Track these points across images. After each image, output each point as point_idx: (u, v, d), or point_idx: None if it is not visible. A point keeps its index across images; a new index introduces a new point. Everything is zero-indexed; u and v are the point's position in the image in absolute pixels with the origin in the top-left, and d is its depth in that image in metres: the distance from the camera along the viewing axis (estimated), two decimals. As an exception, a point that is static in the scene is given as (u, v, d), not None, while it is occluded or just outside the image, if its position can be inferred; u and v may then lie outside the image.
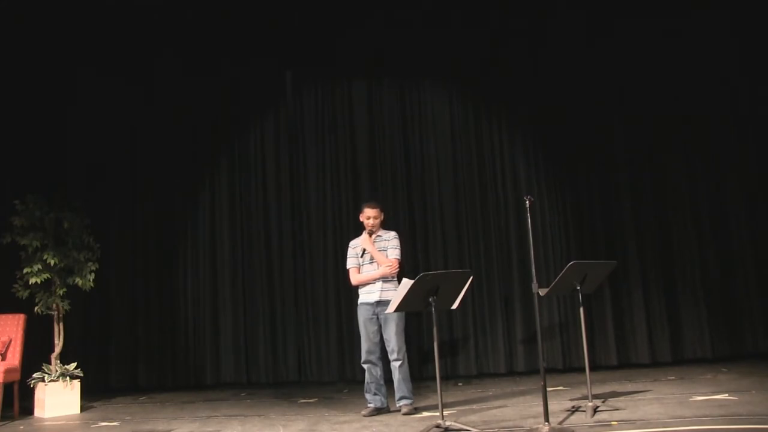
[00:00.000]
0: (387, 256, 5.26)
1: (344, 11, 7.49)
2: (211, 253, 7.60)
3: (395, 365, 5.10)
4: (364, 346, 5.22)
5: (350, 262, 5.40)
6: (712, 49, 7.36)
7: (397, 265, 5.28)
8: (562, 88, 7.40)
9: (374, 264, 5.25)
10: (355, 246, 5.40)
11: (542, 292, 4.47)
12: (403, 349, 5.14)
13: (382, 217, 5.42)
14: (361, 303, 5.31)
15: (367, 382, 5.22)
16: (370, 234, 5.32)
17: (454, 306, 4.70)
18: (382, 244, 5.32)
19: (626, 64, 7.41)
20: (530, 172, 7.40)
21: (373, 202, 5.59)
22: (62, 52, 7.48)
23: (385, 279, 5.22)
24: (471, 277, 4.65)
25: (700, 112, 7.36)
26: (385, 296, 5.14)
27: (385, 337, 5.18)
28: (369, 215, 5.33)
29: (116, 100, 7.69)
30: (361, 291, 5.34)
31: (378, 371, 5.21)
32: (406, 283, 4.42)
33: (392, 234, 5.40)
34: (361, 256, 5.32)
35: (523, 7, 7.45)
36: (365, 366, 5.22)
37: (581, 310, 4.90)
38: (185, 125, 7.72)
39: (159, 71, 7.73)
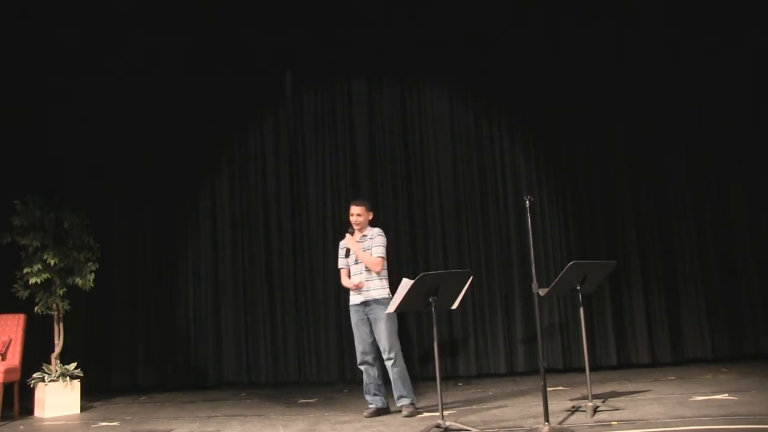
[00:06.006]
0: (371, 255, 5.21)
1: (344, 11, 7.49)
2: (211, 253, 7.61)
3: (388, 364, 5.08)
4: (359, 347, 5.21)
5: (340, 263, 5.39)
6: (713, 47, 7.36)
7: (381, 264, 5.17)
8: (562, 87, 7.39)
9: (360, 264, 5.23)
10: (343, 247, 5.35)
11: (542, 292, 4.47)
12: (396, 347, 5.07)
13: (370, 216, 5.37)
14: (351, 305, 5.29)
15: (366, 384, 5.21)
16: (352, 233, 5.28)
17: (454, 306, 4.70)
18: (367, 243, 5.25)
19: (626, 63, 7.40)
20: (530, 172, 7.39)
21: (359, 199, 5.54)
22: (62, 52, 7.48)
23: (369, 278, 5.18)
24: (471, 277, 4.65)
25: (701, 112, 7.35)
26: (370, 296, 5.13)
27: (376, 336, 5.14)
28: (353, 212, 5.30)
29: (116, 100, 7.69)
30: (350, 292, 5.33)
31: (375, 372, 5.19)
32: (406, 283, 4.42)
33: (376, 231, 5.31)
34: (346, 257, 5.30)
35: (523, 7, 7.45)
36: (362, 368, 5.21)
37: (581, 310, 4.90)
38: (185, 125, 7.72)
39: (159, 72, 7.73)
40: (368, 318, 5.17)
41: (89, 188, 7.47)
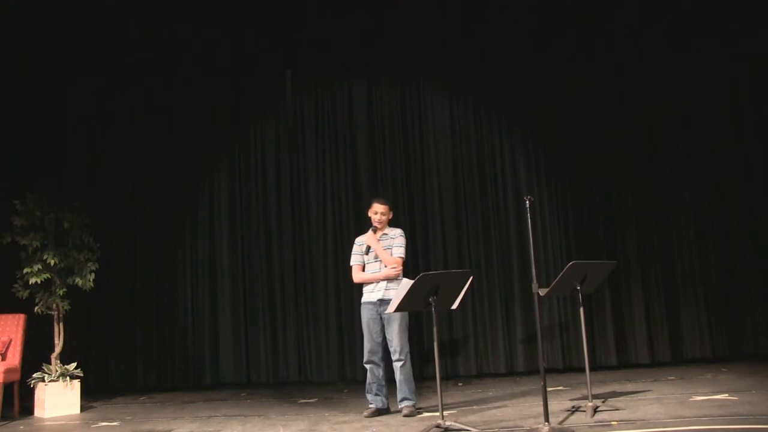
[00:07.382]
0: (392, 255, 5.22)
1: (344, 10, 7.49)
2: (211, 253, 7.61)
3: (397, 365, 5.06)
4: (367, 346, 5.18)
5: (354, 259, 5.37)
6: (713, 47, 7.36)
7: (401, 265, 5.23)
8: (563, 87, 7.39)
9: (378, 262, 5.22)
10: (361, 243, 5.35)
11: (542, 292, 4.46)
12: (406, 349, 5.08)
13: (390, 215, 5.39)
14: (364, 302, 5.27)
15: (369, 383, 5.18)
16: (375, 231, 5.30)
17: (454, 306, 4.69)
18: (388, 242, 5.26)
19: (626, 63, 7.40)
20: (530, 172, 7.39)
21: (383, 198, 5.57)
22: (61, 51, 7.48)
23: (388, 278, 5.19)
24: (471, 277, 4.64)
25: (700, 112, 7.36)
26: (388, 295, 5.10)
27: (387, 336, 5.13)
28: (377, 210, 5.29)
29: (116, 100, 7.69)
30: (364, 290, 5.31)
31: (380, 372, 5.17)
32: (406, 283, 4.42)
33: (398, 231, 5.33)
34: (366, 254, 5.29)
35: (524, 7, 7.45)
36: (367, 366, 5.18)
37: (581, 310, 4.90)
38: (185, 125, 7.72)
39: (159, 72, 7.72)
40: (381, 317, 5.15)
41: (89, 188, 7.47)
